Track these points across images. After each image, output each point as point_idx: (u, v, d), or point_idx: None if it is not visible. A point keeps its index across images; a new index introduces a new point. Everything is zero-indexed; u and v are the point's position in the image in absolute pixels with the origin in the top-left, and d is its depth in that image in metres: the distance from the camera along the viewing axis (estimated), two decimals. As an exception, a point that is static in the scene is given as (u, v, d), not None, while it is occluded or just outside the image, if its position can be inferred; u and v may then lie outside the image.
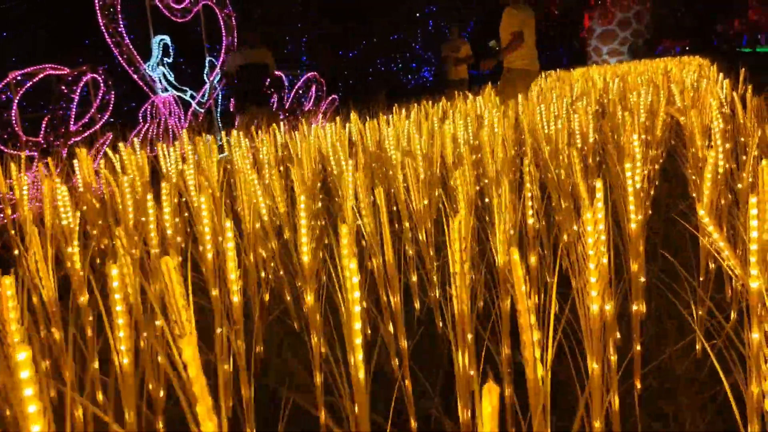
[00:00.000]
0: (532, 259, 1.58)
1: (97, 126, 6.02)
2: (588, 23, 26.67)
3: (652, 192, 3.22)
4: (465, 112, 4.38)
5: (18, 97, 5.23)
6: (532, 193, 1.64)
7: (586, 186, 1.75)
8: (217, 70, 7.72)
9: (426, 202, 2.23)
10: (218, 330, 1.35)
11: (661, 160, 3.92)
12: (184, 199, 2.73)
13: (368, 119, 4.78)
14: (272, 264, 2.18)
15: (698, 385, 1.62)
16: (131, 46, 6.44)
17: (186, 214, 2.50)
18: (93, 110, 6.00)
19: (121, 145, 3.25)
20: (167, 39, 6.87)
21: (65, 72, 5.78)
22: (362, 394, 0.94)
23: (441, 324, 1.90)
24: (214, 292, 1.49)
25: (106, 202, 3.21)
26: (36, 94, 5.76)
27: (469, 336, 1.10)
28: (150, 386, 1.33)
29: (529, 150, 1.98)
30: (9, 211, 3.17)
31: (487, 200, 2.48)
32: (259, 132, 3.82)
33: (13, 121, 5.04)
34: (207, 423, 0.60)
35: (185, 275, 0.98)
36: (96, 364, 1.43)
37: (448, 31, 8.67)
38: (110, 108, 6.15)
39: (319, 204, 2.64)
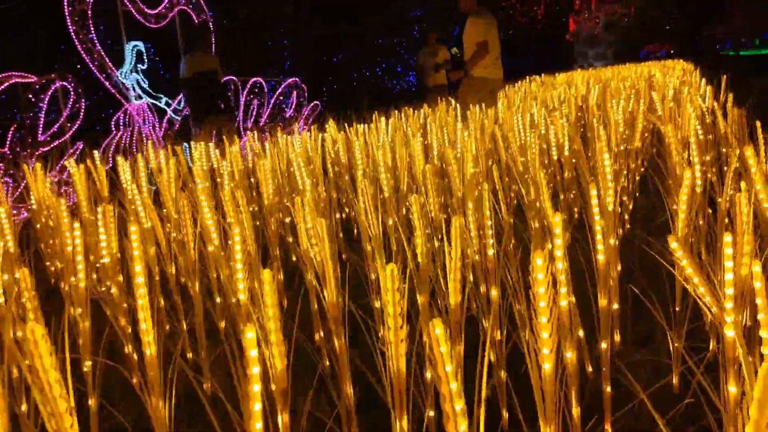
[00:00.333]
0: (493, 293, 1.44)
1: (67, 136, 5.84)
2: (573, 27, 26.75)
3: (631, 206, 3.11)
4: (443, 122, 4.27)
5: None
6: (494, 220, 1.51)
7: (553, 210, 1.62)
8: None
9: (393, 220, 2.10)
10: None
11: (642, 169, 3.83)
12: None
13: (347, 127, 4.65)
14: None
15: (674, 427, 1.49)
16: (103, 53, 6.26)
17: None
18: (62, 119, 5.82)
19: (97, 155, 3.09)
20: (141, 45, 6.69)
21: (33, 80, 5.60)
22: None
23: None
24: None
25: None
26: (1, 103, 5.57)
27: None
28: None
29: (495, 171, 1.85)
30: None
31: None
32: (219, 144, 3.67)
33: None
34: None
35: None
36: None
37: (425, 36, 8.51)
38: (81, 117, 5.97)
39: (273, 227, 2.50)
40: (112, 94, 6.60)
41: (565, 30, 27.06)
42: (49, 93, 5.61)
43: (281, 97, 9.09)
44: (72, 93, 5.87)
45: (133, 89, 6.63)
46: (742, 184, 1.42)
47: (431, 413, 1.22)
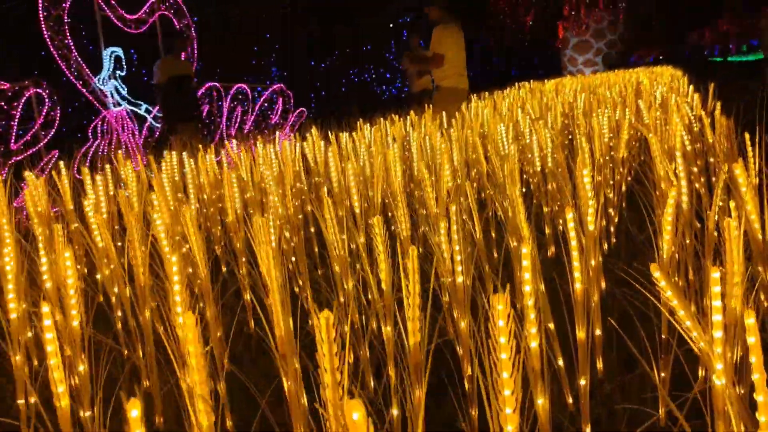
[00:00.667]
0: (462, 325, 1.32)
1: (41, 144, 5.67)
2: (562, 33, 26.81)
3: (616, 219, 3.00)
4: (427, 131, 4.15)
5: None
6: (471, 239, 1.38)
7: (529, 230, 1.50)
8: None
9: (361, 240, 1.98)
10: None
11: (628, 178, 3.72)
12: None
13: (330, 135, 4.52)
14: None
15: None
16: (80, 59, 6.10)
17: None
18: (35, 127, 5.66)
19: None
20: (119, 51, 6.54)
21: (5, 87, 5.43)
22: None
23: None
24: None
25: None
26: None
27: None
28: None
29: (468, 188, 1.73)
30: None
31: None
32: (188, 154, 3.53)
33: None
34: None
35: None
36: None
37: (408, 40, 8.34)
38: (56, 125, 5.81)
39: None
40: (90, 102, 6.44)
41: (555, 36, 27.10)
42: (23, 100, 5.45)
43: (266, 104, 8.95)
44: (47, 100, 5.71)
45: (112, 96, 6.48)
46: (731, 204, 1.31)
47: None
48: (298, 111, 9.45)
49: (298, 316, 1.27)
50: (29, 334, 1.74)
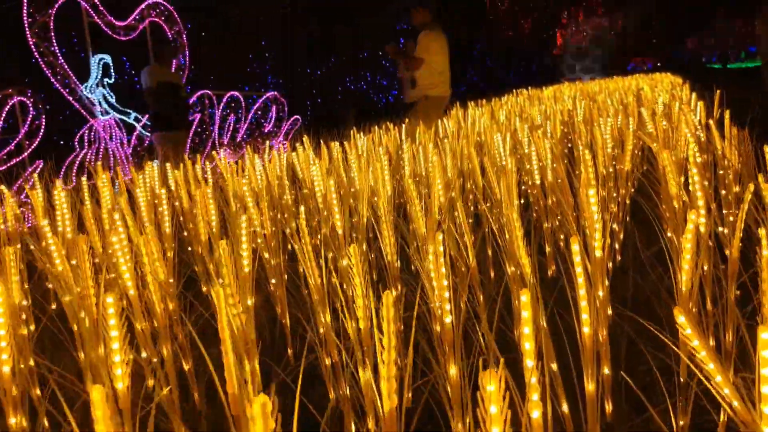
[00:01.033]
0: (453, 371, 1.14)
1: (25, 154, 5.50)
2: (560, 41, 26.77)
3: (621, 235, 2.83)
4: (422, 141, 3.99)
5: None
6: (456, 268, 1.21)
7: (528, 260, 1.33)
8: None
9: (345, 263, 1.80)
10: None
11: (632, 190, 3.55)
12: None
13: (322, 144, 4.36)
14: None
15: None
16: (66, 66, 5.94)
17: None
18: (20, 136, 5.48)
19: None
20: (108, 58, 6.38)
21: (-13, 95, 5.26)
22: None
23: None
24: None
25: None
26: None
27: None
28: None
29: (460, 208, 1.55)
30: None
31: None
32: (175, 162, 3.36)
33: None
34: None
35: None
36: None
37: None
38: (41, 134, 5.64)
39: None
40: (77, 110, 6.27)
41: (553, 43, 27.06)
42: (6, 109, 5.28)
43: (259, 112, 8.79)
44: (31, 109, 5.54)
45: (99, 104, 6.31)
46: (761, 233, 1.13)
47: None
48: (292, 119, 9.28)
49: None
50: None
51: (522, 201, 4.13)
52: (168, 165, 3.64)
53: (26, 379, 1.46)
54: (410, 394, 1.40)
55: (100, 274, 1.55)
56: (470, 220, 3.28)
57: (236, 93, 8.25)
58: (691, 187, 1.93)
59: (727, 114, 3.01)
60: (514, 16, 25.32)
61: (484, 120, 5.09)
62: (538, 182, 2.72)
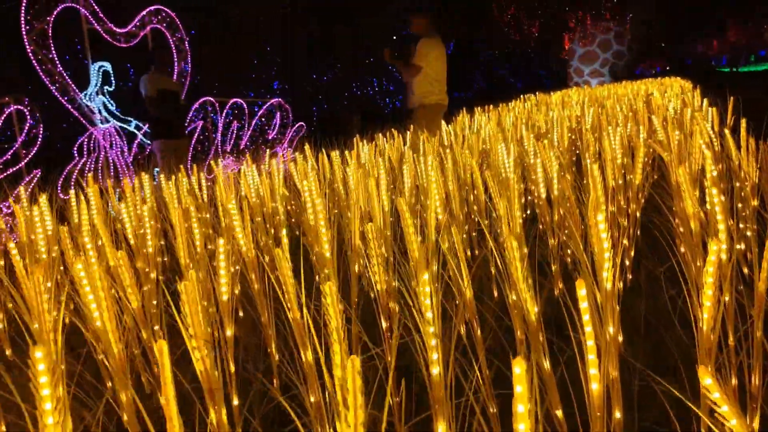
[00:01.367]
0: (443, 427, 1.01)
1: (22, 164, 5.41)
2: (568, 44, 26.59)
3: (632, 252, 2.68)
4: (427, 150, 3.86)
5: None
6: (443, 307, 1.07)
7: (532, 299, 1.20)
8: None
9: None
10: None
11: (643, 201, 3.40)
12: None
13: (320, 156, 4.24)
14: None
15: None
16: (65, 74, 5.86)
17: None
18: (17, 145, 5.40)
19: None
20: (107, 66, 6.30)
21: (-17, 104, 5.19)
22: None
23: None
24: None
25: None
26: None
27: None
28: None
29: (456, 236, 1.42)
30: None
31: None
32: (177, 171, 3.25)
33: None
34: None
35: None
36: None
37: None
38: (38, 143, 5.56)
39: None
40: (77, 118, 6.19)
41: (560, 48, 26.87)
42: (2, 118, 5.20)
43: (263, 119, 8.69)
44: (28, 117, 5.46)
45: (99, 112, 6.23)
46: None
47: None
48: (297, 126, 9.18)
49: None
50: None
51: (528, 212, 4.00)
52: (162, 176, 3.54)
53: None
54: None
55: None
56: (474, 233, 3.15)
57: (239, 100, 8.16)
58: (708, 205, 1.79)
59: (743, 123, 2.86)
60: (520, 21, 25.17)
61: (489, 127, 4.96)
62: (543, 195, 2.58)
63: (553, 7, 24.29)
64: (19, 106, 5.38)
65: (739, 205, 2.73)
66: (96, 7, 6.18)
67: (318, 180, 4.20)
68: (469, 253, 2.94)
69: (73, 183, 5.73)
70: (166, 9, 6.97)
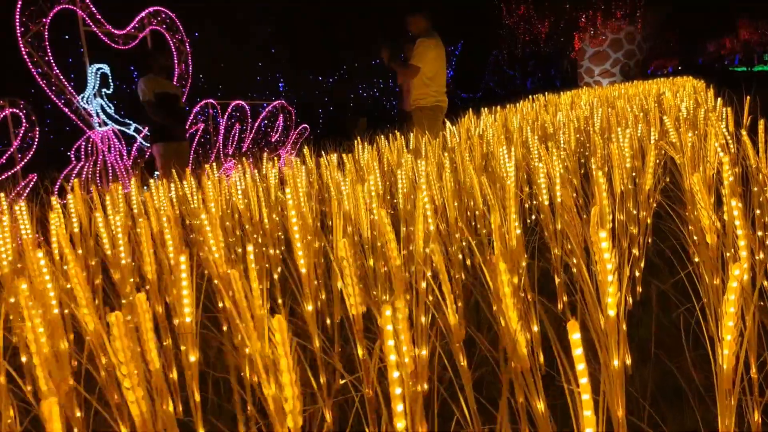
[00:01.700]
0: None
1: (17, 168, 5.32)
2: (578, 44, 26.30)
3: (642, 263, 2.50)
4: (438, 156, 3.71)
5: None
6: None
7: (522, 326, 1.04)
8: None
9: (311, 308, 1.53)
10: None
11: (654, 204, 3.22)
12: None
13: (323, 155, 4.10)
14: None
15: None
16: (62, 77, 5.77)
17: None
18: (12, 149, 5.31)
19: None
20: (106, 68, 6.20)
21: (-22, 107, 5.10)
22: None
23: None
24: None
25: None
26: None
27: None
28: None
29: (437, 256, 1.26)
30: None
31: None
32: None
33: None
34: None
35: None
36: None
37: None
38: (34, 147, 5.46)
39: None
40: (74, 122, 6.09)
41: (570, 47, 26.58)
42: (-3, 121, 5.12)
43: (265, 121, 8.57)
44: (24, 121, 5.37)
45: (97, 115, 6.13)
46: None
47: None
48: (300, 127, 9.05)
49: None
50: None
51: (534, 217, 3.82)
52: (156, 182, 3.40)
53: None
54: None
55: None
56: (477, 235, 2.99)
57: (241, 102, 8.05)
58: (725, 215, 1.62)
59: (761, 124, 2.68)
60: (530, 21, 24.93)
61: (493, 130, 4.79)
62: (546, 202, 2.41)
63: (563, 7, 24.04)
64: (15, 110, 5.29)
65: (758, 211, 2.55)
66: (93, 8, 6.08)
67: (318, 184, 4.05)
68: (469, 261, 2.77)
69: (57, 189, 5.62)
70: (165, 10, 6.86)
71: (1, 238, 1.89)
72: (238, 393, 1.44)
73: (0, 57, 5.97)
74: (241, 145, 8.14)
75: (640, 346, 1.88)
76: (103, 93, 6.21)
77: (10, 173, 5.26)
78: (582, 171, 4.13)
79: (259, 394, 1.21)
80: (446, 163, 2.72)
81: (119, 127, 6.35)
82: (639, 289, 2.39)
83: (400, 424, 0.79)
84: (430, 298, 1.30)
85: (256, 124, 8.33)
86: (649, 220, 2.82)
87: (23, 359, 1.68)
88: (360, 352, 1.31)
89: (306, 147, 4.74)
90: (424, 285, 1.48)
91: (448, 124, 5.90)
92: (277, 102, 8.71)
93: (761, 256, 2.47)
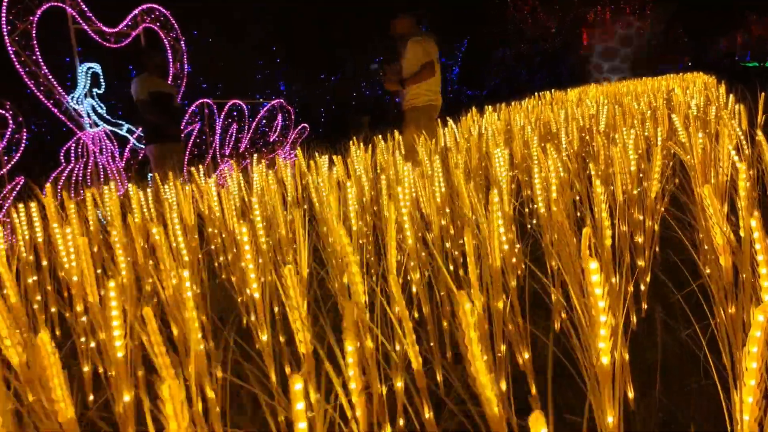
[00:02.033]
0: None
1: (4, 170, 5.17)
2: (587, 40, 25.97)
3: (648, 277, 2.30)
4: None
5: None
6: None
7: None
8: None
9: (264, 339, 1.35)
10: None
11: (662, 210, 3.01)
12: None
13: (316, 157, 3.92)
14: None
15: None
16: (51, 77, 5.61)
17: None
18: (-2, 151, 5.16)
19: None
20: (97, 67, 6.04)
21: (-37, 109, 4.95)
22: None
23: None
24: None
25: None
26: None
27: None
28: None
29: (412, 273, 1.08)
30: None
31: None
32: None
33: None
34: None
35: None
36: None
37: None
38: (21, 148, 5.31)
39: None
40: (65, 123, 5.94)
41: (579, 44, 26.25)
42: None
43: (264, 120, 8.39)
44: (10, 122, 5.21)
45: (88, 116, 5.97)
46: None
47: None
48: (300, 127, 8.87)
49: None
50: None
51: (534, 220, 3.62)
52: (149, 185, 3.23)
53: None
54: None
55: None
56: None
57: (238, 101, 7.87)
58: (741, 231, 1.42)
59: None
60: (537, 16, 24.62)
61: (492, 129, 4.58)
62: (543, 210, 2.21)
63: (571, 2, 23.72)
64: (1, 111, 5.14)
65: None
66: (84, 6, 5.92)
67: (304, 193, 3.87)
68: (462, 272, 2.58)
69: (60, 190, 5.47)
70: (159, 7, 6.69)
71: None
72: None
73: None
74: (239, 145, 7.98)
75: (644, 374, 1.68)
76: (95, 93, 6.05)
77: (-4, 175, 5.12)
78: (586, 172, 3.93)
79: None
80: (435, 167, 2.52)
81: (111, 128, 6.19)
82: (644, 305, 2.19)
83: None
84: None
85: (254, 123, 8.15)
86: (656, 228, 2.61)
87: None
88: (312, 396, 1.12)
89: (299, 148, 4.56)
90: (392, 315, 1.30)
91: (450, 122, 5.70)
92: (275, 101, 8.53)
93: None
